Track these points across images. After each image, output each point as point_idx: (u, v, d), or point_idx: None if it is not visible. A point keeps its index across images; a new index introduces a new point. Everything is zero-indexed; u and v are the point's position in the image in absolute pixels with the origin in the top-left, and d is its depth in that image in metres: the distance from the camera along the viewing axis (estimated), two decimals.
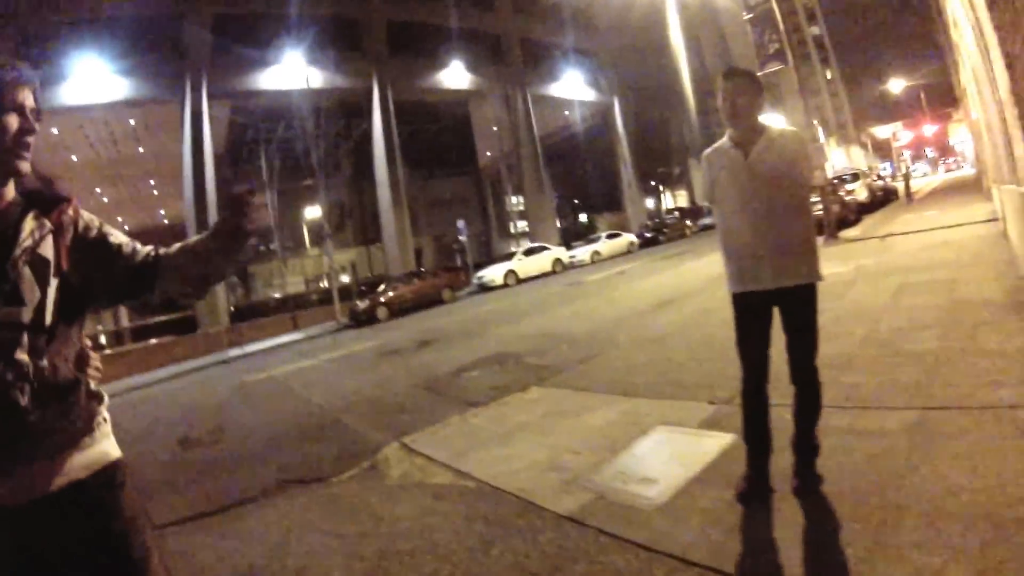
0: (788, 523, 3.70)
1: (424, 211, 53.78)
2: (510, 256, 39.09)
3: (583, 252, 42.54)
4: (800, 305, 3.87)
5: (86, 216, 2.21)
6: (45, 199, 2.13)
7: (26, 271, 1.99)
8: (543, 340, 12.72)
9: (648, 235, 49.25)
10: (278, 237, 42.09)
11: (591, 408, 7.11)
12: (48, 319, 2.03)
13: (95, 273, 2.17)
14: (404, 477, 6.32)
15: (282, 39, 41.32)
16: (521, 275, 36.62)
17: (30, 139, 2.03)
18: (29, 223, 2.04)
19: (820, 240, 17.50)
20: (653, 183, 72.72)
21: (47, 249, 2.05)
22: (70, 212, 2.14)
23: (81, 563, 2.05)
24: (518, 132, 54.91)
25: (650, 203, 71.46)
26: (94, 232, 2.21)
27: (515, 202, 56.67)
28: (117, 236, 2.27)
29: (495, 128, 54.73)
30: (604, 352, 10.19)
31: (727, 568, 3.41)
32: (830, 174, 26.55)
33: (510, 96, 55.01)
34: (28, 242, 2.01)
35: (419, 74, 50.09)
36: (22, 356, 1.94)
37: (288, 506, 6.31)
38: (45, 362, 2.00)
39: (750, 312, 3.98)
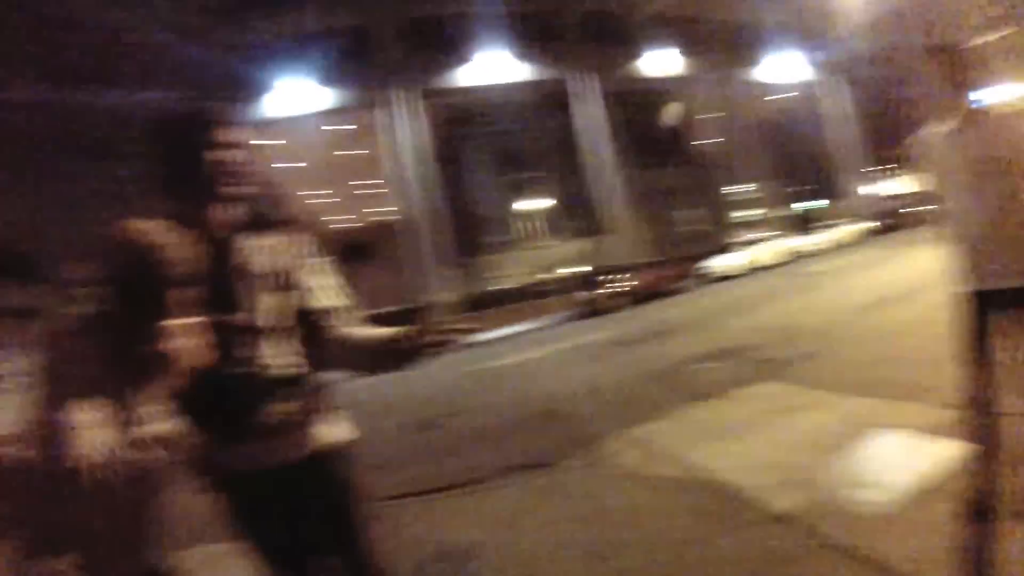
0: (1016, 544, 3.41)
1: (652, 201, 53.28)
2: (738, 245, 38.10)
3: (814, 240, 40.79)
4: None
5: (306, 242, 2.58)
6: (271, 219, 2.49)
7: (257, 281, 2.39)
8: (772, 333, 12.38)
9: (883, 222, 46.75)
10: (502, 229, 42.84)
11: (817, 405, 6.90)
12: (285, 322, 2.43)
13: (302, 295, 2.53)
14: (628, 467, 6.37)
15: (479, 36, 41.95)
16: (750, 265, 35.56)
17: (231, 169, 2.35)
18: (262, 239, 2.45)
19: None
20: (886, 167, 69.04)
21: (279, 261, 2.46)
22: (296, 231, 2.51)
23: (318, 523, 2.51)
24: (736, 117, 53.48)
25: (885, 188, 67.85)
26: (312, 255, 2.58)
27: (742, 190, 55.32)
28: (324, 274, 2.62)
29: (712, 114, 53.56)
30: (834, 347, 9.82)
31: None
32: None
33: (722, 80, 53.72)
34: (255, 256, 2.41)
35: (625, 63, 49.35)
36: (262, 352, 2.36)
37: (511, 490, 6.50)
38: (272, 359, 2.39)
39: (982, 312, 3.59)
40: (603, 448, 7.13)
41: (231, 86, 34.66)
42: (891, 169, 64.63)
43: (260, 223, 2.51)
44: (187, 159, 2.33)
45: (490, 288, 42.48)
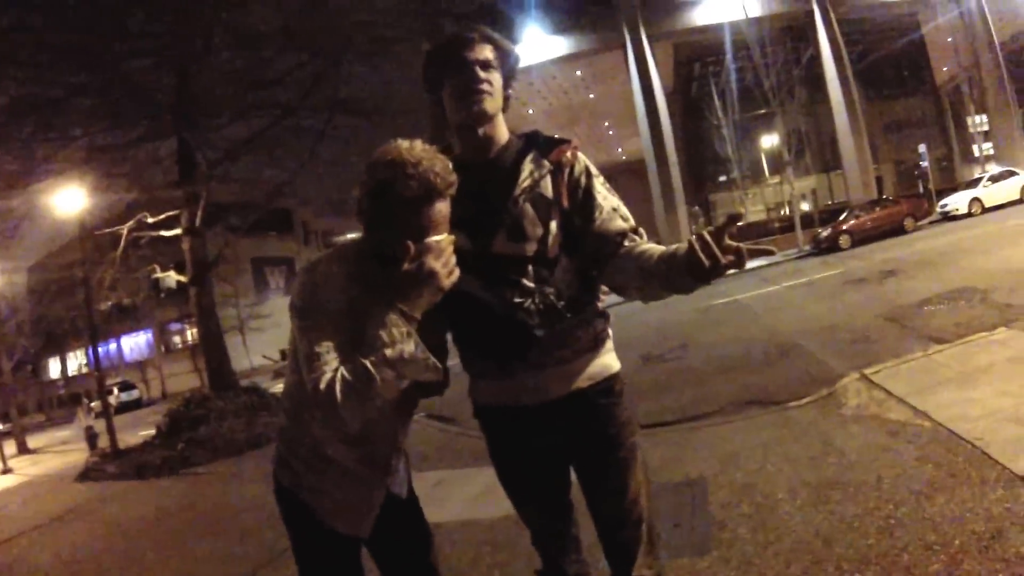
0: None
1: (882, 136, 50.69)
2: (975, 183, 34.78)
3: None
4: None
5: (582, 161, 2.43)
6: (542, 141, 2.44)
7: (527, 208, 2.29)
8: (1012, 276, 11.47)
9: None
10: (736, 167, 42.17)
11: None
12: (551, 251, 2.33)
13: (577, 220, 2.39)
14: (860, 409, 6.27)
15: None
16: (987, 203, 32.43)
17: (482, 86, 2.28)
18: (528, 164, 2.34)
19: None
20: None
21: (547, 188, 2.34)
22: (568, 155, 2.39)
23: (580, 457, 2.52)
24: (976, 44, 49.39)
25: None
26: (585, 180, 2.41)
27: (978, 122, 51.39)
28: (605, 196, 2.42)
29: (951, 40, 50.07)
30: None
31: None
32: None
33: (963, 4, 49.64)
34: (527, 181, 2.31)
35: None
36: (528, 283, 2.30)
37: (743, 425, 6.60)
38: (551, 288, 2.32)
39: None
40: (839, 388, 7.02)
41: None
42: None
43: (532, 148, 2.41)
44: (450, 79, 2.33)
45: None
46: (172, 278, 21.06)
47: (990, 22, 49.32)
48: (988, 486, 4.08)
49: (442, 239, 2.06)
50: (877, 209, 32.46)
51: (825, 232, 30.99)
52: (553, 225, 2.33)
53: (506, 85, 2.42)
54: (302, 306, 2.12)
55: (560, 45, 40.73)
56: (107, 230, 20.48)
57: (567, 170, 2.39)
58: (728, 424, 6.72)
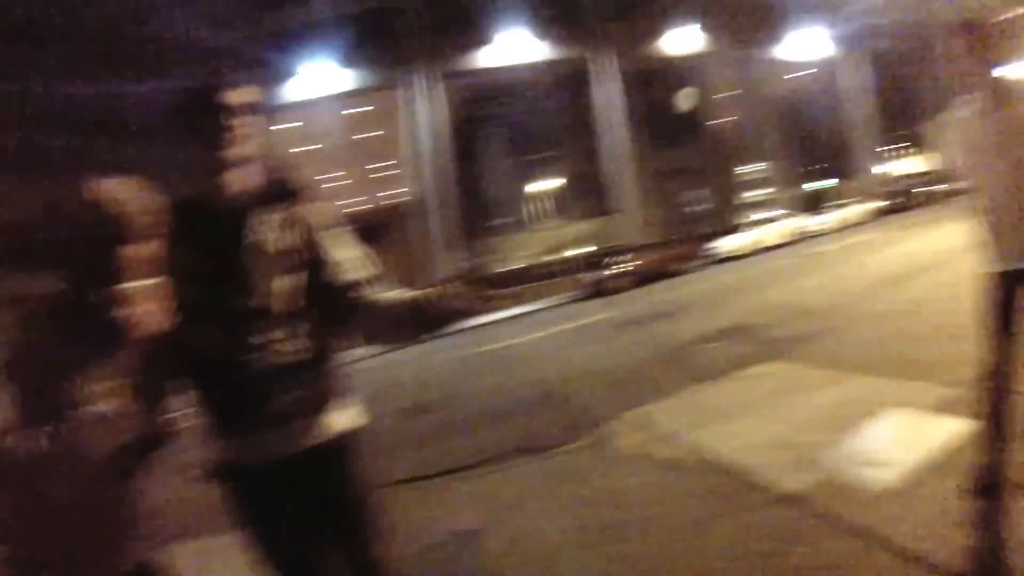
0: (1021, 523, 3.44)
1: (658, 181, 53.19)
2: (748, 225, 37.96)
3: (823, 220, 40.47)
4: None
5: (322, 214, 2.48)
6: (286, 192, 2.41)
7: (270, 261, 2.29)
8: (780, 313, 12.33)
9: (894, 201, 46.66)
10: (512, 211, 42.84)
11: (824, 385, 6.88)
12: (290, 305, 2.32)
13: (319, 272, 2.41)
14: (632, 449, 6.35)
15: (498, 15, 41.69)
16: (759, 245, 35.39)
17: (241, 131, 2.26)
18: (274, 215, 2.34)
19: None
20: (899, 146, 68.72)
21: (288, 241, 2.34)
22: (311, 205, 2.40)
23: (327, 511, 2.47)
24: (750, 96, 52.99)
25: (896, 166, 67.54)
26: (321, 235, 2.45)
27: (751, 169, 55.13)
28: (340, 248, 2.49)
29: (727, 93, 53.23)
30: (841, 326, 9.78)
31: (954, 565, 3.24)
32: None
33: (740, 59, 52.81)
34: (272, 234, 2.31)
35: (644, 41, 48.83)
36: (272, 337, 2.27)
37: (514, 473, 6.50)
38: (294, 342, 2.31)
39: (1005, 291, 3.60)
40: (608, 430, 7.12)
41: (254, 70, 34.87)
42: (905, 148, 64.42)
43: (274, 197, 2.42)
44: (200, 126, 2.27)
45: (499, 269, 42.54)
46: None
47: (764, 79, 52.74)
48: (760, 509, 4.33)
49: (141, 285, 1.91)
50: (653, 252, 33.90)
51: (601, 275, 31.82)
52: (296, 277, 2.36)
53: (260, 130, 2.39)
54: None
55: (344, 80, 40.30)
56: None
57: (310, 221, 2.44)
58: (498, 473, 6.61)
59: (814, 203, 52.04)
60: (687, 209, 49.86)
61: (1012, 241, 3.55)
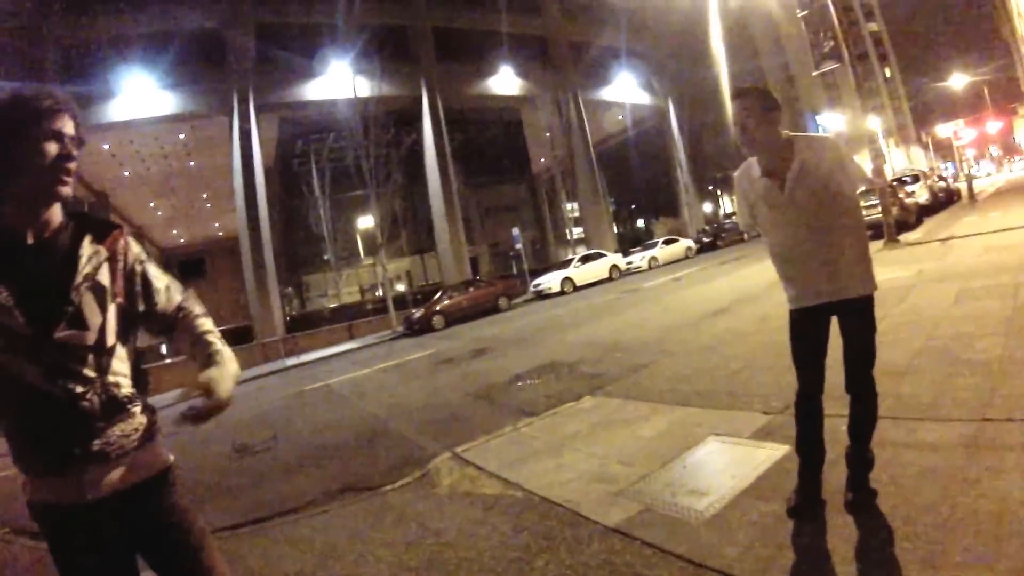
0: (840, 538, 3.63)
1: (478, 219, 53.79)
2: (566, 263, 38.89)
3: (640, 258, 42.04)
4: (857, 316, 3.80)
5: (135, 247, 2.45)
6: (96, 225, 2.33)
7: (88, 296, 2.22)
8: (598, 349, 12.66)
9: (706, 240, 49.01)
10: (331, 247, 42.35)
11: (643, 418, 7.08)
12: (109, 340, 2.28)
13: (137, 305, 2.43)
14: (455, 487, 6.35)
15: (328, 48, 41.85)
16: (577, 282, 36.49)
17: (70, 165, 2.19)
18: (87, 249, 2.26)
19: (878, 244, 17.19)
20: (710, 187, 71.97)
21: (104, 276, 2.28)
22: (121, 241, 2.35)
23: (154, 551, 2.41)
24: (571, 137, 54.41)
25: (707, 208, 70.71)
26: (140, 267, 2.44)
27: (570, 208, 56.05)
28: (158, 277, 2.50)
29: (548, 134, 54.32)
30: (658, 360, 10.10)
31: None
32: (889, 176, 25.79)
33: (561, 101, 54.51)
34: (88, 268, 2.23)
35: (468, 80, 50.09)
36: (89, 373, 2.21)
37: (338, 514, 6.39)
38: (109, 378, 2.27)
39: (807, 325, 3.89)
40: (431, 468, 7.09)
41: (71, 81, 33.20)
42: (718, 190, 67.73)
43: (86, 231, 2.31)
44: (20, 151, 2.11)
45: (320, 307, 42.10)
46: None
47: (585, 120, 54.20)
48: (584, 542, 4.38)
49: None
50: (471, 289, 34.20)
51: (418, 313, 31.94)
52: (110, 313, 2.30)
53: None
54: None
55: (166, 103, 38.32)
56: None
57: (122, 257, 2.39)
58: (322, 515, 6.48)
59: (633, 241, 53.90)
60: (509, 246, 50.62)
61: (797, 286, 3.88)
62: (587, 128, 55.38)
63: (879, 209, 18.82)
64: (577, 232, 55.87)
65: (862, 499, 3.87)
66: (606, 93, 59.44)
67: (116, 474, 2.28)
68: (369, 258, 47.59)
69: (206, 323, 2.59)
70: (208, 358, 2.47)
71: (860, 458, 3.91)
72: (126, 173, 44.66)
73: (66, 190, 2.20)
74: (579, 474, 5.74)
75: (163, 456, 2.46)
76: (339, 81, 40.07)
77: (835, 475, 4.04)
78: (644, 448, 6.07)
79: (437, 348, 21.07)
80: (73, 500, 2.23)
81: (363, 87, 38.82)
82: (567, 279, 36.36)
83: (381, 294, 42.90)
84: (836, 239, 3.72)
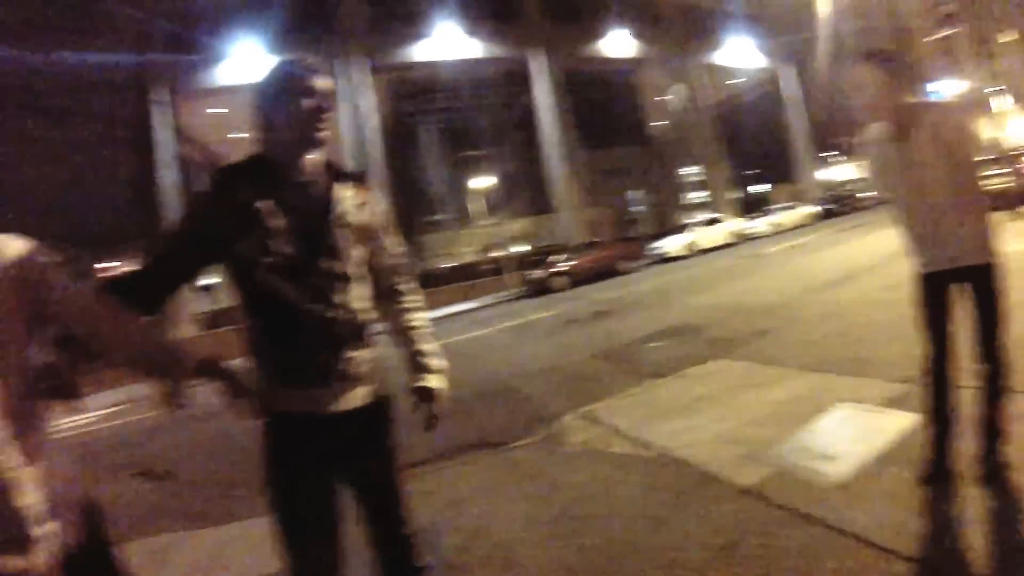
0: (971, 508, 3.62)
1: (596, 181, 53.14)
2: (684, 227, 38.38)
3: (761, 223, 41.27)
4: (984, 284, 3.74)
5: (379, 200, 2.77)
6: (350, 175, 2.66)
7: (342, 232, 2.54)
8: (721, 312, 12.57)
9: (827, 206, 47.56)
10: (447, 208, 42.53)
11: (772, 382, 7.04)
12: (359, 273, 2.61)
13: (375, 250, 2.75)
14: (584, 445, 6.40)
15: (438, 9, 41.36)
16: (698, 246, 35.94)
17: (324, 115, 2.51)
18: (341, 192, 2.60)
19: (1003, 214, 16.45)
20: (830, 153, 69.71)
21: (354, 216, 2.60)
22: (369, 192, 2.71)
23: (363, 467, 2.67)
24: (688, 100, 53.47)
25: (827, 174, 68.57)
26: (381, 216, 2.77)
27: (690, 172, 55.78)
28: (390, 234, 2.83)
29: (663, 97, 53.55)
30: (783, 326, 10.00)
31: (905, 551, 3.37)
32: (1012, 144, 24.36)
33: (675, 63, 53.26)
34: (342, 208, 2.56)
35: (580, 42, 48.83)
36: (341, 299, 2.51)
37: (466, 469, 6.51)
38: (356, 305, 2.57)
39: (933, 291, 3.87)
40: (560, 426, 7.15)
41: (184, 49, 34.16)
42: (841, 155, 65.55)
43: (341, 175, 2.65)
44: (285, 106, 2.48)
45: (437, 266, 42.34)
46: None
47: (702, 84, 53.14)
48: (715, 502, 4.40)
49: None
50: (591, 251, 33.82)
51: (538, 274, 31.74)
52: (360, 249, 2.62)
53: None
54: None
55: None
56: None
57: (370, 203, 2.69)
58: (450, 469, 6.60)
59: (754, 206, 52.79)
60: (627, 209, 50.11)
61: (927, 249, 3.86)
62: (704, 91, 54.09)
63: (1005, 178, 18.10)
64: (697, 196, 55.04)
65: (993, 471, 3.84)
66: (719, 57, 57.45)
67: (355, 393, 2.56)
68: (486, 219, 47.62)
69: (416, 317, 2.91)
70: (418, 364, 2.88)
71: (992, 429, 3.87)
72: (239, 135, 45.27)
73: (322, 136, 2.52)
74: (709, 436, 5.74)
75: (389, 386, 2.74)
76: (450, 42, 40.12)
77: (967, 446, 3.98)
78: (773, 412, 6.05)
79: (559, 309, 20.98)
80: (316, 411, 2.49)
81: (475, 48, 38.74)
82: (688, 243, 35.85)
83: (499, 255, 42.94)
84: (960, 204, 3.68)
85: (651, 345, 10.82)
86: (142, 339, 2.26)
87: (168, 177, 35.13)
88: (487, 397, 9.65)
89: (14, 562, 1.84)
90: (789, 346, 8.69)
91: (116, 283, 2.35)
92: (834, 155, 65.62)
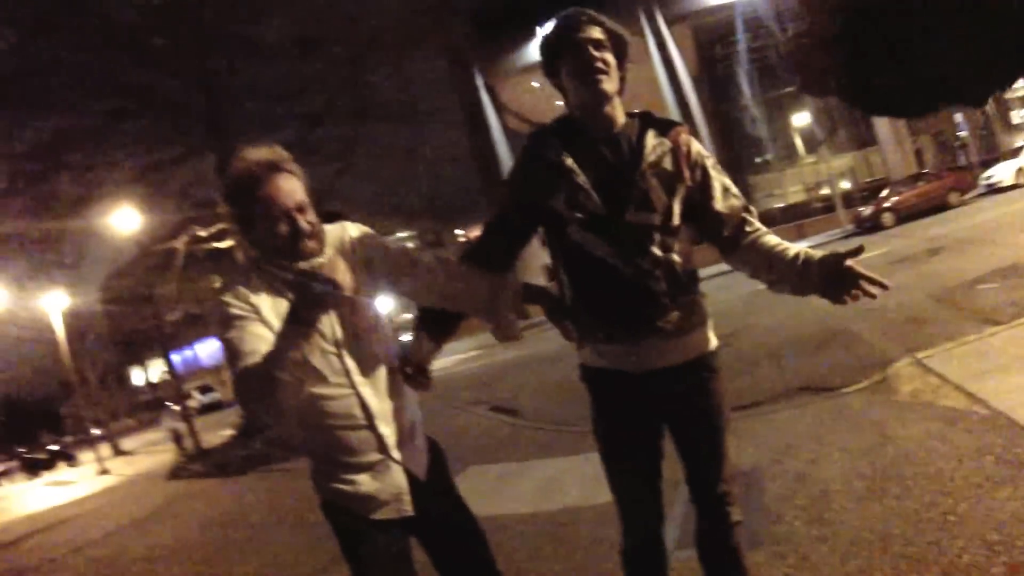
0: None
1: None
2: (1019, 151, 33.69)
3: None
4: None
5: (696, 145, 2.62)
6: (659, 122, 2.62)
7: (654, 181, 2.48)
8: None
9: None
10: (770, 148, 41.56)
11: None
12: (675, 221, 2.53)
13: (698, 197, 2.62)
14: (915, 395, 6.13)
15: None
16: None
17: (599, 64, 2.48)
18: (651, 140, 2.53)
19: None
20: None
21: (668, 163, 2.52)
22: (684, 136, 2.58)
23: (682, 423, 2.70)
24: None
25: None
26: (701, 160, 2.62)
27: (1015, 87, 50.33)
28: (717, 178, 2.65)
29: None
30: None
31: None
32: None
33: None
34: (652, 157, 2.50)
35: None
36: (655, 251, 2.47)
37: (796, 413, 6.55)
38: (673, 257, 2.52)
39: None
40: (890, 373, 6.89)
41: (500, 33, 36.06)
42: None
43: (650, 125, 2.60)
44: (566, 61, 2.54)
45: (769, 207, 41.71)
46: None
47: None
48: None
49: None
50: (919, 184, 31.46)
51: (867, 211, 30.43)
52: (676, 198, 2.53)
53: (620, 66, 2.60)
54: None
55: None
56: (161, 246, 21.61)
57: (684, 149, 2.56)
58: (780, 412, 6.67)
59: None
60: (954, 136, 46.75)
61: None
62: None
63: None
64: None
65: None
66: None
67: (672, 350, 2.52)
68: (810, 156, 46.13)
69: (773, 238, 2.66)
70: (805, 261, 2.60)
71: None
72: (558, 103, 46.52)
73: (603, 86, 2.48)
74: None
75: (710, 340, 2.66)
76: None
77: None
78: None
79: (888, 246, 19.98)
80: (631, 369, 2.53)
81: None
82: (1021, 169, 31.47)
83: (827, 192, 41.58)
84: None
85: (988, 286, 9.89)
86: (486, 290, 2.59)
87: (503, 150, 38.40)
88: (820, 338, 9.55)
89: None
90: None
91: (466, 251, 2.71)
92: None
